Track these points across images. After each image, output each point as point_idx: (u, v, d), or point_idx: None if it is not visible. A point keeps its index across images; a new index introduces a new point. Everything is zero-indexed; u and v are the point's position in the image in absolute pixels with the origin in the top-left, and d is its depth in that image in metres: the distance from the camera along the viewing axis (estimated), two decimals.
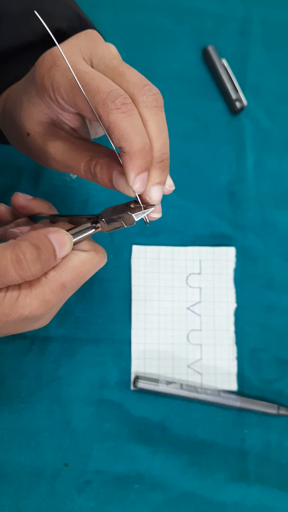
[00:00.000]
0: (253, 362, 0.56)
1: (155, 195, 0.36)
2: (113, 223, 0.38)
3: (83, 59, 0.37)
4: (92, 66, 0.37)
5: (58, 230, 0.38)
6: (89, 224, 0.39)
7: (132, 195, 0.36)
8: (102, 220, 0.38)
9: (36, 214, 0.46)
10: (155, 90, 0.35)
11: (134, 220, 0.37)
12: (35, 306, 0.37)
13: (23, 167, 0.58)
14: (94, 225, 0.39)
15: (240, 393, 0.55)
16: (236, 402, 0.54)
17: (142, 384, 0.53)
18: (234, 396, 0.54)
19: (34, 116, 0.39)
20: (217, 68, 0.61)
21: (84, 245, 0.39)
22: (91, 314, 0.55)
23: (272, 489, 0.53)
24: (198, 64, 0.63)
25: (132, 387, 0.54)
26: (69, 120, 0.39)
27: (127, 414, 0.54)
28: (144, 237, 0.58)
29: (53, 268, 0.38)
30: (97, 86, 0.34)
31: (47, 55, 0.36)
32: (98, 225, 0.39)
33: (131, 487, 0.52)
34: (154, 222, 0.57)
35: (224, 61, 0.61)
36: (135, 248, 0.57)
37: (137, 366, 0.55)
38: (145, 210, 0.37)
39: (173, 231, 0.58)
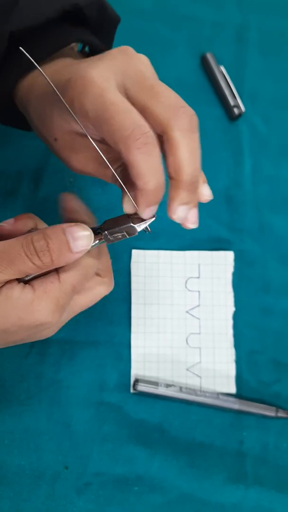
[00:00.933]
0: (251, 365, 0.57)
1: (181, 214, 0.38)
2: (116, 234, 0.39)
3: (115, 83, 0.36)
4: (125, 89, 0.36)
5: (77, 224, 0.37)
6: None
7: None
8: (105, 233, 0.39)
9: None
10: (190, 111, 0.36)
11: (136, 231, 0.38)
12: (50, 310, 0.37)
13: (23, 171, 0.58)
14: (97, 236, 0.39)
15: (238, 395, 0.56)
16: (235, 404, 0.54)
17: (142, 387, 0.54)
18: (232, 399, 0.55)
19: (64, 126, 0.39)
20: (215, 75, 0.62)
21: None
22: (91, 317, 0.56)
23: (270, 490, 0.53)
24: (196, 71, 0.63)
25: (132, 390, 0.55)
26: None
27: (126, 417, 0.54)
28: (143, 241, 0.58)
29: (64, 270, 0.38)
30: (121, 121, 0.34)
31: (79, 80, 0.35)
32: (101, 236, 0.39)
33: (131, 489, 0.52)
34: (153, 226, 0.58)
35: (222, 68, 0.62)
36: (135, 253, 0.58)
37: (136, 369, 0.56)
38: (147, 221, 0.38)
39: (171, 235, 0.59)
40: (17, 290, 0.37)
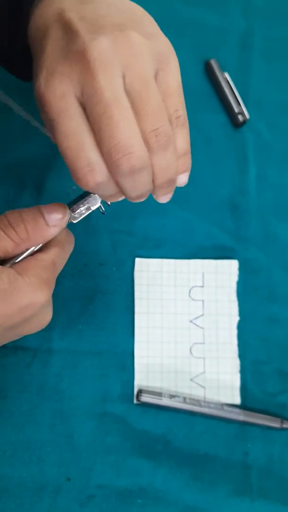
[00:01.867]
0: (256, 375, 0.56)
1: (165, 200, 0.39)
2: (80, 209, 0.40)
3: (75, 97, 0.33)
4: (84, 102, 0.34)
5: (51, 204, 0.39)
6: None
7: None
8: (69, 211, 0.39)
9: None
10: (133, 156, 0.33)
11: (98, 200, 0.39)
12: (35, 285, 0.36)
13: (25, 179, 0.58)
14: None
15: (243, 406, 0.55)
16: (239, 416, 0.54)
17: (145, 398, 0.53)
18: (237, 410, 0.54)
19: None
20: (219, 82, 0.62)
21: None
22: (93, 327, 0.55)
23: (276, 503, 0.52)
24: (200, 77, 0.63)
25: (135, 401, 0.54)
26: None
27: (130, 428, 0.53)
28: (146, 250, 0.58)
29: (41, 251, 0.39)
30: (73, 160, 0.33)
31: (36, 94, 0.34)
32: None
33: (134, 501, 0.52)
34: (156, 234, 0.58)
35: (226, 75, 0.62)
36: (138, 261, 0.57)
37: (140, 380, 0.55)
38: None
39: (175, 243, 0.58)
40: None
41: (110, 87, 0.33)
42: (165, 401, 0.53)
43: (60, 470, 0.52)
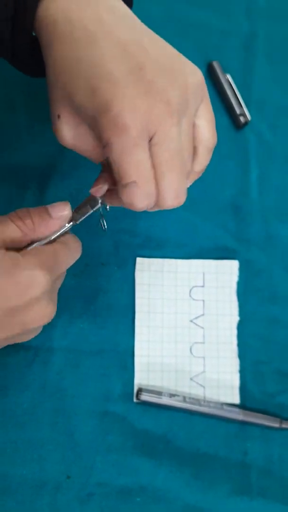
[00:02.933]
0: (256, 376, 0.56)
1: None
2: (82, 209, 0.42)
3: (147, 131, 0.37)
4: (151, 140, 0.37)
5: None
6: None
7: None
8: (73, 211, 0.42)
9: None
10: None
11: (98, 201, 0.42)
12: (36, 264, 0.38)
13: (29, 178, 0.58)
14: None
15: (242, 406, 0.55)
16: (239, 415, 0.54)
17: (145, 397, 0.53)
18: (236, 410, 0.54)
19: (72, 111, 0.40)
20: (221, 83, 0.62)
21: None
22: (95, 326, 0.55)
23: (275, 503, 0.53)
24: None
25: (135, 399, 0.54)
26: None
27: (131, 427, 0.54)
28: (148, 250, 0.58)
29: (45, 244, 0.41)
30: (139, 190, 0.38)
31: (119, 117, 0.36)
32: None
33: (134, 500, 0.52)
34: (159, 235, 0.58)
35: (229, 76, 0.62)
36: (139, 261, 0.58)
37: (140, 379, 0.55)
38: None
39: (177, 244, 0.59)
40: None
41: (178, 137, 0.38)
42: (164, 400, 0.54)
43: (60, 468, 0.52)
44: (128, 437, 0.53)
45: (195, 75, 0.40)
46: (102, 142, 0.37)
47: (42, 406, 0.53)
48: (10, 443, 0.52)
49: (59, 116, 0.39)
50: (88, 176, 0.58)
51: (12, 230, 0.39)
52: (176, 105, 0.37)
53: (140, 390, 0.54)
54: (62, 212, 0.41)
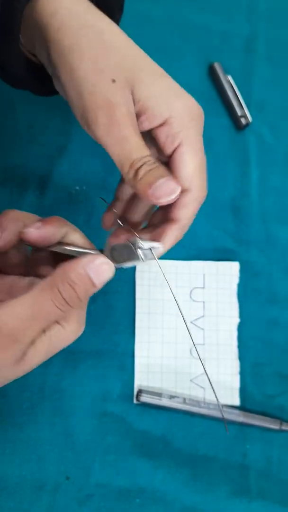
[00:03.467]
0: (256, 377, 0.56)
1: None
2: (119, 257, 0.38)
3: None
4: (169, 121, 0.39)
5: (94, 256, 0.36)
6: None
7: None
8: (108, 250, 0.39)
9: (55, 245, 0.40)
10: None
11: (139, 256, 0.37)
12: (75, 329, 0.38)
13: (28, 178, 0.58)
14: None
15: (242, 408, 0.55)
16: (239, 417, 0.54)
17: (145, 398, 0.53)
18: (236, 411, 0.54)
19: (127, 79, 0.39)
20: (222, 85, 0.62)
21: None
22: (94, 327, 0.55)
23: (274, 504, 0.52)
24: (203, 80, 0.63)
25: (135, 401, 0.54)
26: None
27: (130, 428, 0.54)
28: None
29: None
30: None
31: (104, 114, 0.37)
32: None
33: (132, 501, 0.52)
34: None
35: (230, 78, 0.62)
36: None
37: (140, 380, 0.55)
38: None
39: (177, 245, 0.58)
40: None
41: None
42: (164, 402, 0.53)
43: (59, 469, 0.52)
44: (127, 438, 0.53)
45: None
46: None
47: (41, 407, 0.53)
48: (9, 443, 0.52)
49: (114, 80, 0.37)
50: (88, 176, 0.59)
51: (58, 316, 0.36)
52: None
53: (140, 391, 0.54)
54: (106, 278, 0.36)
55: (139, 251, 0.37)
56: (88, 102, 0.37)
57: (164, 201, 0.37)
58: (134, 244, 0.37)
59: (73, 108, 0.39)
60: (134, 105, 0.38)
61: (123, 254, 0.38)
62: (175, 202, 0.39)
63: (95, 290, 0.36)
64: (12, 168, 0.58)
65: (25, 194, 0.58)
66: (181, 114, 0.39)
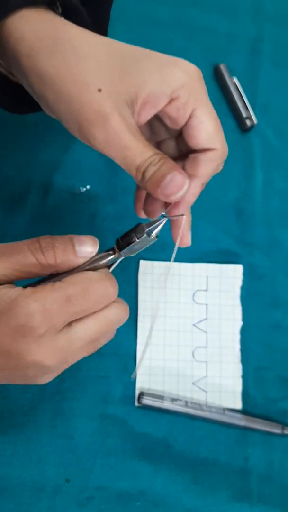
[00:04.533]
0: (258, 381, 0.56)
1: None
2: (131, 244, 0.39)
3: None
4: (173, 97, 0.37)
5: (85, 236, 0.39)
6: (105, 253, 0.39)
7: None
8: (118, 241, 0.39)
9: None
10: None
11: (152, 239, 0.39)
12: (34, 308, 0.34)
13: (32, 179, 0.58)
14: (109, 252, 0.39)
15: (244, 411, 0.55)
16: (241, 421, 0.54)
17: (147, 401, 0.53)
18: (238, 415, 0.54)
19: (114, 84, 0.38)
20: (228, 86, 0.62)
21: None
22: None
23: (275, 509, 0.52)
24: (209, 82, 0.62)
25: (136, 403, 0.54)
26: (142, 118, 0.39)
27: (131, 430, 0.53)
28: (151, 253, 0.58)
29: (60, 280, 0.37)
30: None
31: (93, 115, 0.36)
32: (114, 253, 0.39)
33: (133, 504, 0.51)
34: (162, 237, 0.58)
35: (235, 79, 0.62)
36: (142, 263, 0.57)
37: (141, 382, 0.55)
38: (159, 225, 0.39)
39: (180, 246, 0.58)
40: (4, 286, 0.36)
41: None
42: (166, 405, 0.53)
43: (59, 471, 0.52)
44: (128, 441, 0.53)
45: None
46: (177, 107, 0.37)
47: (41, 408, 0.53)
48: (9, 444, 0.52)
49: (99, 90, 0.36)
50: (92, 176, 0.59)
51: (30, 262, 0.37)
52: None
53: (141, 394, 0.53)
54: (88, 252, 0.38)
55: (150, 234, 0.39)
56: (81, 121, 0.36)
57: (174, 198, 0.37)
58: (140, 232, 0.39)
59: (69, 129, 0.38)
60: (136, 100, 0.37)
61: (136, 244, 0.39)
62: (201, 160, 0.39)
63: (73, 260, 0.38)
64: (16, 168, 0.58)
65: (29, 194, 0.57)
66: (183, 83, 0.37)
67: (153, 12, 0.64)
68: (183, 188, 0.37)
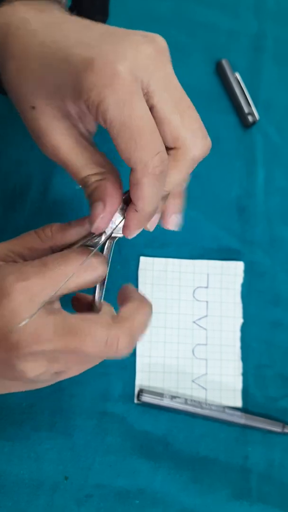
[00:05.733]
0: (258, 379, 0.56)
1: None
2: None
3: (141, 84, 0.32)
4: (148, 91, 0.33)
5: None
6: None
7: None
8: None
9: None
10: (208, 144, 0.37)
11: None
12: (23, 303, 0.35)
13: (32, 174, 0.57)
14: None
15: (244, 409, 0.55)
16: (241, 419, 0.53)
17: (146, 398, 0.53)
18: (239, 413, 0.54)
19: (49, 99, 0.35)
20: (230, 82, 0.61)
21: None
22: None
23: (275, 508, 0.52)
24: (211, 78, 0.63)
25: (136, 401, 0.53)
26: (91, 125, 0.38)
27: (130, 428, 0.53)
28: (151, 249, 0.57)
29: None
30: (145, 144, 0.32)
31: (108, 66, 0.31)
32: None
33: (132, 502, 0.51)
34: (162, 234, 0.57)
35: (237, 75, 0.61)
36: (143, 260, 0.57)
37: (141, 379, 0.54)
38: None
39: (181, 243, 0.58)
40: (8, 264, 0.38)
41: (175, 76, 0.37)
42: (166, 402, 0.53)
43: (58, 468, 0.51)
44: (127, 438, 0.53)
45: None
46: (91, 108, 0.32)
47: (40, 405, 0.52)
48: (7, 441, 0.51)
49: (33, 107, 0.35)
50: None
51: (31, 237, 0.40)
52: (165, 45, 0.35)
53: (141, 391, 0.53)
54: (81, 222, 0.40)
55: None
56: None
57: (94, 228, 0.37)
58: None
59: None
60: (74, 110, 0.35)
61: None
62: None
63: (68, 232, 0.40)
64: (16, 163, 0.57)
65: (29, 190, 0.57)
66: (137, 67, 0.32)
67: (155, 8, 0.63)
68: (104, 220, 0.36)
